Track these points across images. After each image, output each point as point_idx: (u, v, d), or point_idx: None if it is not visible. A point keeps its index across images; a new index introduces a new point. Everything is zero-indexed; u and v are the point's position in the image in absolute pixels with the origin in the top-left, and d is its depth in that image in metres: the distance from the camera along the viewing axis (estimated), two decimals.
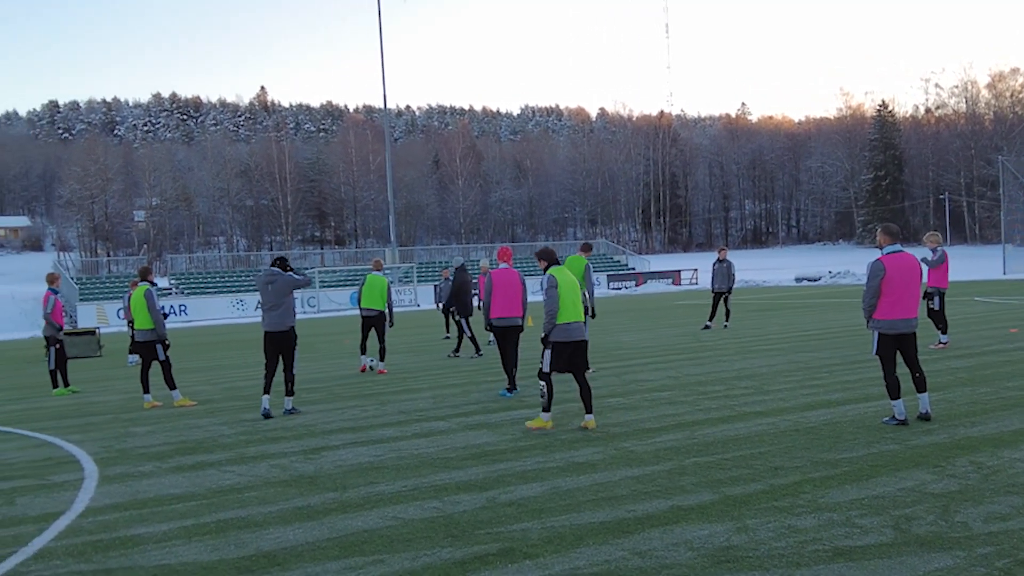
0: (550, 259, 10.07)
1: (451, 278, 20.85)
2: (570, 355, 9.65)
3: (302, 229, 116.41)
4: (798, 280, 53.95)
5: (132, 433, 10.85)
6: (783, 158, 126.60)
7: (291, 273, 11.70)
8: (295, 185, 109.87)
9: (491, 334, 12.85)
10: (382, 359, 16.35)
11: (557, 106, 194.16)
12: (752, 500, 6.46)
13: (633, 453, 8.21)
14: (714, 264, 23.02)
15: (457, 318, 18.57)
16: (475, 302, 17.93)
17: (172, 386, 13.20)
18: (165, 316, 13.53)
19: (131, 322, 21.77)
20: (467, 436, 9.47)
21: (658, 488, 6.92)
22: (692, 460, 7.80)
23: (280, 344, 11.59)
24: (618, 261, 72.65)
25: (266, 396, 11.56)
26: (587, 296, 13.70)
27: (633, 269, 68.97)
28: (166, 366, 13.15)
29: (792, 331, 20.70)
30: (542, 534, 5.89)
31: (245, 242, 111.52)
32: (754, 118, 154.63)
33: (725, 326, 22.41)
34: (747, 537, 5.63)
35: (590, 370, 9.99)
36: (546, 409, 9.73)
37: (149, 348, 13.16)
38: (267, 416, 11.41)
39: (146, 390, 13.22)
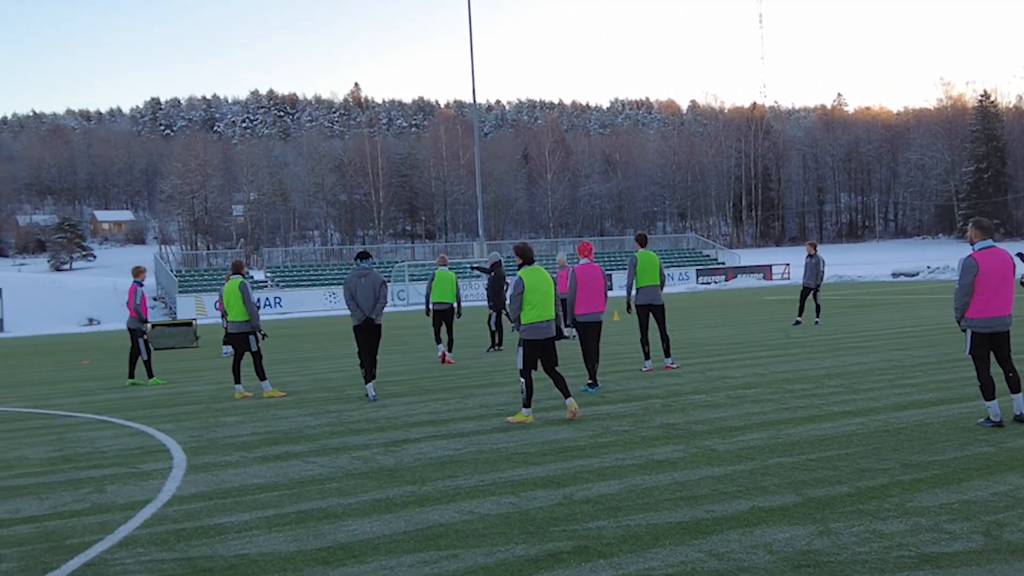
0: (526, 258, 10.37)
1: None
2: (541, 352, 10.13)
3: (393, 223, 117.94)
4: (895, 275, 52.45)
5: (221, 423, 11.13)
6: (880, 150, 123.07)
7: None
8: (387, 180, 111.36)
9: (572, 329, 12.89)
10: (450, 350, 17.35)
11: (647, 99, 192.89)
12: (836, 503, 6.28)
13: (715, 452, 8.07)
14: (805, 259, 22.65)
15: (490, 311, 19.17)
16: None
17: (262, 377, 13.50)
18: (259, 308, 13.83)
19: (225, 314, 22.38)
20: (546, 432, 9.44)
21: (739, 488, 6.78)
22: (776, 460, 7.63)
23: (372, 334, 12.55)
24: (707, 255, 71.65)
25: (370, 384, 12.49)
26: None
27: (723, 264, 67.92)
28: (257, 357, 13.47)
29: (886, 328, 20.12)
30: (618, 533, 5.83)
31: (339, 236, 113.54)
32: (850, 109, 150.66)
33: (816, 322, 21.91)
34: (829, 541, 5.47)
35: (558, 366, 10.36)
36: (526, 405, 10.07)
37: (242, 339, 13.47)
38: (372, 399, 12.33)
39: (237, 380, 13.54)
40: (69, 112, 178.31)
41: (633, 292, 13.98)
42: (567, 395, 10.17)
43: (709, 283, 59.57)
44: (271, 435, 10.09)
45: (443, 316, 17.35)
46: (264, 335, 13.67)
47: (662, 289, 14.05)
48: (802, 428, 8.97)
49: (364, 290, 12.56)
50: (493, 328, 19.19)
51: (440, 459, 8.33)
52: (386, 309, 12.61)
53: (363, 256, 13.02)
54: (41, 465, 9.01)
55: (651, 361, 14.08)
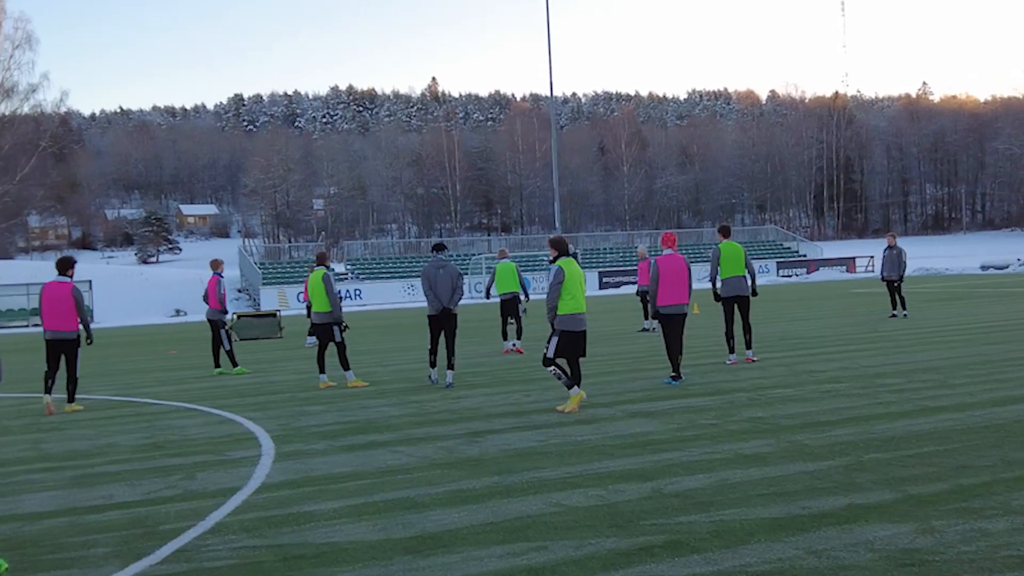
0: (561, 250, 10.44)
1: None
2: (575, 344, 10.29)
3: (470, 216, 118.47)
4: (984, 268, 50.79)
5: (307, 412, 11.25)
6: (967, 139, 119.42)
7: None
8: (463, 173, 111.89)
9: (653, 322, 12.77)
10: (519, 338, 17.79)
11: (725, 89, 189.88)
12: (937, 500, 6.05)
13: (806, 447, 7.85)
14: (884, 251, 22.15)
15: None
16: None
17: (346, 367, 13.64)
18: (340, 300, 13.98)
19: (309, 305, 22.68)
20: (630, 424, 9.32)
21: (834, 484, 6.58)
22: (871, 456, 7.39)
23: (448, 324, 12.93)
24: (788, 248, 70.29)
25: (434, 369, 13.13)
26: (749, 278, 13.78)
27: (804, 256, 66.58)
28: (341, 347, 13.61)
29: (976, 322, 19.47)
30: (710, 527, 5.70)
31: (416, 229, 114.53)
32: (936, 98, 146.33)
33: (904, 315, 21.34)
34: (933, 539, 5.26)
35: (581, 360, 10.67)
36: (570, 386, 10.23)
37: (326, 330, 13.61)
38: (434, 383, 12.98)
39: (322, 370, 13.69)
40: (155, 109, 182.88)
41: (718, 284, 13.73)
42: (578, 383, 10.41)
43: (790, 276, 58.45)
44: (355, 424, 10.16)
45: (509, 306, 17.75)
46: (346, 326, 13.80)
47: (753, 281, 13.75)
48: (896, 424, 8.69)
49: (442, 281, 12.95)
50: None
51: (523, 450, 8.27)
52: (464, 301, 13.02)
53: (439, 248, 13.47)
54: (132, 452, 9.21)
55: (735, 355, 13.83)
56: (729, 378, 12.36)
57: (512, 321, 17.96)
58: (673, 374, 12.07)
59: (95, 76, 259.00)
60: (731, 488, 6.61)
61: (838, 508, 5.99)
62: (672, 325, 12.06)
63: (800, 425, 8.83)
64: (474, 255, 60.53)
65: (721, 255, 13.59)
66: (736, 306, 13.73)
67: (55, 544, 6.04)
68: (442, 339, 13.13)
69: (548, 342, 10.36)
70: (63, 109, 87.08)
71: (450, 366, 12.99)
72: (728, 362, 13.77)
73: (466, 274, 54.00)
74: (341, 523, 6.19)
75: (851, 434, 8.29)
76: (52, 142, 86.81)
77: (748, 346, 13.93)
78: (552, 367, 10.27)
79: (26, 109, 76.59)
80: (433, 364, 13.22)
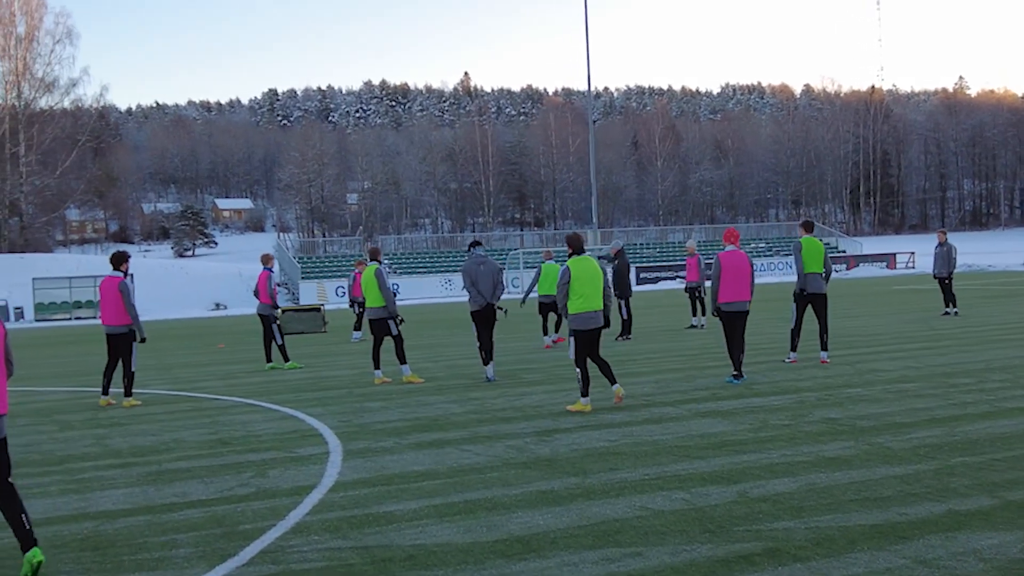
0: (576, 248, 10.42)
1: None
2: (589, 342, 10.21)
3: (503, 211, 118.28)
4: None
5: (367, 408, 11.17)
6: (1006, 134, 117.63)
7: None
8: (497, 168, 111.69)
9: (703, 318, 12.57)
10: (557, 330, 18.31)
11: (759, 83, 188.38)
12: None
13: (890, 450, 7.65)
14: (936, 248, 21.81)
15: (619, 300, 19.04)
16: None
17: (403, 360, 13.61)
18: (395, 294, 13.91)
19: (355, 301, 22.65)
20: (701, 424, 9.15)
21: (927, 489, 6.39)
22: (959, 459, 7.18)
23: (491, 319, 13.12)
24: (826, 244, 69.42)
25: (489, 366, 13.15)
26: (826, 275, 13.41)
27: (844, 252, 65.83)
28: (398, 341, 13.55)
29: None
30: (808, 535, 5.52)
31: (449, 224, 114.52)
32: (973, 92, 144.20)
33: (955, 312, 20.98)
34: None
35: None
36: (584, 394, 10.16)
37: (382, 324, 13.54)
38: (491, 380, 13.00)
39: (377, 366, 13.62)
40: (191, 103, 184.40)
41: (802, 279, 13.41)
42: (614, 381, 10.34)
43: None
44: (419, 421, 10.06)
45: (550, 308, 17.86)
46: (401, 320, 13.71)
47: (827, 280, 13.44)
48: (978, 425, 8.46)
49: (484, 277, 13.04)
50: (624, 316, 18.90)
51: (597, 450, 8.13)
52: (504, 296, 13.19)
53: (476, 244, 13.55)
54: (199, 448, 9.17)
55: (796, 353, 13.57)
56: (793, 377, 12.14)
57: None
58: (735, 372, 11.86)
59: (132, 71, 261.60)
60: (820, 493, 6.43)
61: (937, 515, 5.80)
62: (733, 323, 11.84)
63: (879, 427, 8.62)
64: (512, 250, 60.43)
65: (803, 249, 13.26)
66: (812, 304, 13.38)
67: (136, 544, 5.97)
68: None
69: (568, 344, 10.42)
70: (103, 103, 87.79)
71: (491, 356, 13.27)
72: (787, 360, 13.53)
73: (504, 269, 53.98)
74: (425, 524, 6.08)
75: (934, 436, 8.07)
76: (91, 137, 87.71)
77: (823, 347, 13.47)
78: (578, 370, 10.27)
79: (66, 104, 77.54)
80: (485, 361, 13.21)
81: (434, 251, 67.80)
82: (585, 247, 10.68)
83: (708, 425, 9.07)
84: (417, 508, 6.49)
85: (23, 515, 5.43)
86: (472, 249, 13.43)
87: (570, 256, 10.41)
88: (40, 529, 6.39)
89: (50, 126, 73.64)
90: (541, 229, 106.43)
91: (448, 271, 54.87)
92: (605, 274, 10.67)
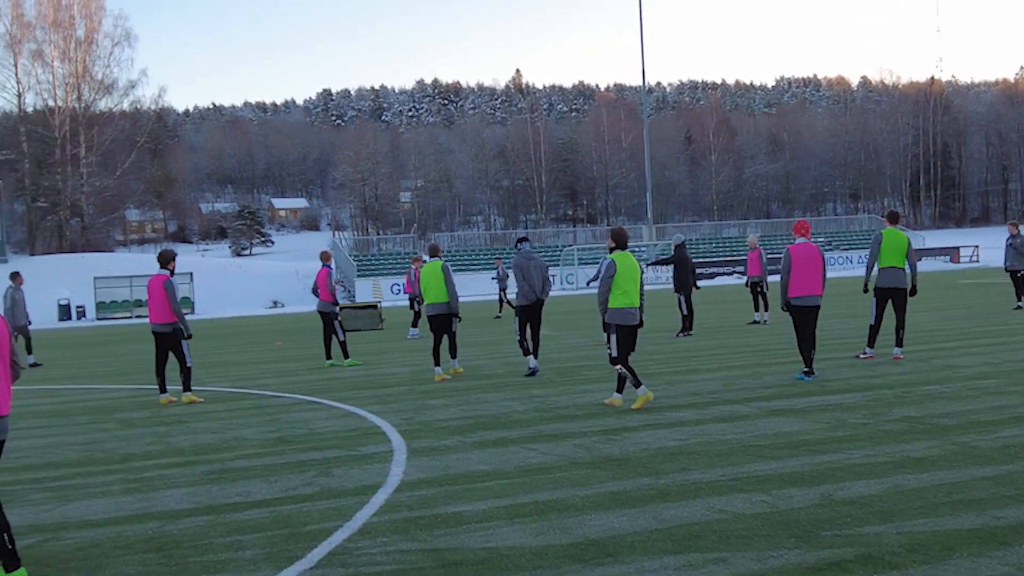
0: (620, 243, 10.24)
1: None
2: (630, 339, 10.07)
3: (555, 208, 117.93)
4: None
5: (428, 406, 11.01)
6: None
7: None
8: (549, 165, 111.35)
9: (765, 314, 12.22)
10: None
11: (815, 76, 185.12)
12: None
13: (976, 449, 7.28)
14: (1006, 240, 21.13)
15: (678, 295, 18.89)
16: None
17: (454, 355, 13.79)
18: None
19: (414, 298, 22.58)
20: (773, 423, 8.82)
21: (1022, 492, 6.03)
22: None
23: (537, 314, 13.24)
24: None
25: (530, 356, 13.36)
26: (910, 271, 12.90)
27: None
28: (453, 336, 13.62)
29: None
30: (900, 540, 5.21)
31: (502, 221, 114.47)
32: None
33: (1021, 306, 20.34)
34: None
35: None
36: (637, 385, 9.97)
37: (443, 321, 13.42)
38: (534, 373, 13.20)
39: (437, 362, 13.49)
40: (246, 104, 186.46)
41: (874, 272, 13.01)
42: (619, 390, 10.30)
43: None
44: (481, 419, 9.87)
45: None
46: (460, 319, 13.59)
47: (913, 276, 12.94)
48: None
49: (534, 272, 13.13)
50: (685, 312, 18.56)
51: (668, 449, 7.86)
52: (556, 293, 13.26)
53: (523, 240, 13.64)
54: (261, 446, 9.07)
55: (872, 350, 13.13)
56: (866, 374, 11.74)
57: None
58: (806, 369, 11.49)
59: (189, 73, 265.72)
60: (909, 495, 6.10)
61: None
62: (804, 318, 11.47)
63: (962, 425, 8.23)
64: (566, 246, 60.15)
65: (883, 242, 12.80)
66: (891, 300, 12.93)
67: (201, 546, 5.84)
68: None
69: (608, 341, 10.13)
70: (160, 105, 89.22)
71: (535, 353, 13.46)
72: (863, 356, 13.10)
73: (559, 266, 53.73)
74: (494, 526, 5.87)
75: (1022, 436, 7.68)
76: (149, 138, 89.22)
77: (898, 343, 13.02)
78: (619, 366, 10.07)
79: (125, 106, 78.94)
80: (526, 352, 13.40)
81: (487, 248, 67.74)
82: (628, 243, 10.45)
83: (782, 424, 8.74)
84: (486, 509, 6.28)
85: (4, 534, 5.10)
86: (520, 245, 13.56)
87: (612, 251, 10.25)
88: (104, 529, 6.32)
89: (109, 128, 75.09)
90: (593, 225, 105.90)
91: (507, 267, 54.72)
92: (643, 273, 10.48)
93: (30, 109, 75.32)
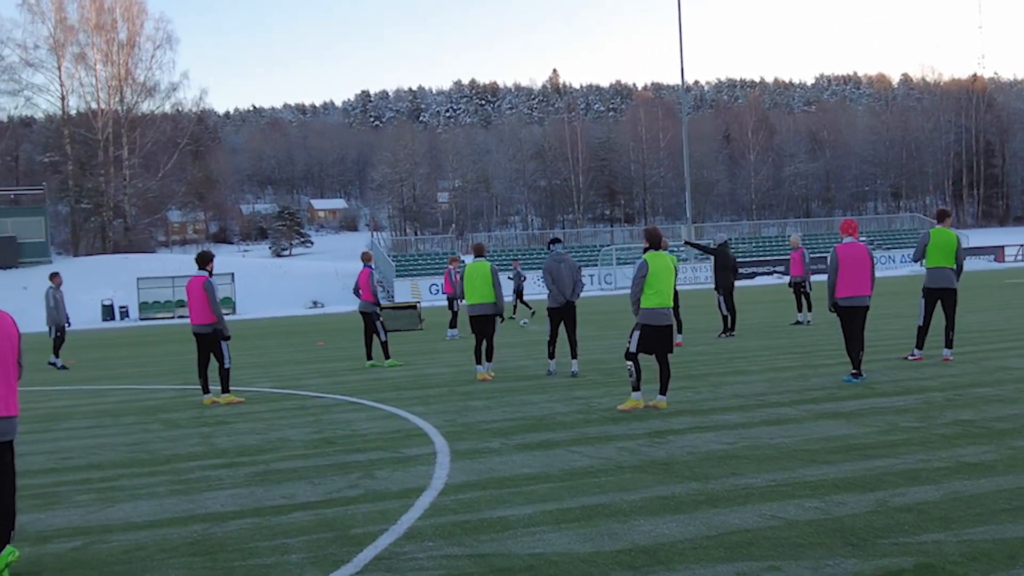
0: (653, 243, 10.17)
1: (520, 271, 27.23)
2: (658, 339, 9.98)
3: (593, 207, 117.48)
4: None
5: (470, 407, 10.94)
6: None
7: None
8: (586, 164, 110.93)
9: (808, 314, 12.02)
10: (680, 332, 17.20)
11: (855, 73, 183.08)
12: None
13: None
14: None
15: (719, 295, 18.62)
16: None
17: (490, 358, 13.69)
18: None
19: (453, 298, 22.54)
20: (823, 426, 8.65)
21: None
22: None
23: (570, 315, 13.18)
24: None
25: (552, 360, 13.51)
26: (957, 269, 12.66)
27: None
28: (490, 338, 13.56)
29: None
30: (961, 549, 5.06)
31: (539, 221, 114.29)
32: None
33: None
34: None
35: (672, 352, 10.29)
36: (636, 389, 10.00)
37: (487, 321, 13.37)
38: (552, 374, 13.31)
39: (478, 361, 13.45)
40: (286, 106, 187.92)
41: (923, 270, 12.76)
42: (663, 392, 10.11)
43: None
44: (524, 421, 9.79)
45: None
46: (503, 318, 13.53)
47: (959, 275, 12.71)
48: None
49: (564, 274, 13.06)
50: (724, 312, 18.34)
51: (716, 453, 7.73)
52: (595, 293, 13.08)
53: (556, 241, 13.59)
54: (305, 447, 9.05)
55: (921, 351, 12.88)
56: (916, 375, 11.51)
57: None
58: (854, 371, 11.28)
59: (229, 75, 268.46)
60: (967, 502, 5.93)
61: None
62: (852, 318, 11.26)
63: (1018, 429, 8.03)
64: (604, 246, 59.91)
65: (930, 241, 12.57)
66: (940, 300, 12.69)
67: (246, 549, 5.81)
68: (562, 330, 13.38)
69: (630, 336, 10.09)
70: (202, 107, 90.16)
71: (574, 355, 13.39)
72: (911, 357, 12.86)
73: (597, 266, 53.53)
74: (542, 531, 5.79)
75: None
76: (191, 140, 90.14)
77: (948, 344, 12.77)
78: (630, 363, 10.01)
79: (167, 108, 79.83)
80: (552, 355, 13.54)
81: (525, 248, 67.68)
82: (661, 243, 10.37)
83: (831, 427, 8.57)
84: (532, 513, 6.20)
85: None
86: (552, 247, 13.50)
87: (646, 251, 10.18)
88: (149, 531, 6.32)
89: (151, 130, 75.97)
90: (631, 225, 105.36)
91: (538, 268, 54.62)
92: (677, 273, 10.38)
93: (73, 112, 76.46)
